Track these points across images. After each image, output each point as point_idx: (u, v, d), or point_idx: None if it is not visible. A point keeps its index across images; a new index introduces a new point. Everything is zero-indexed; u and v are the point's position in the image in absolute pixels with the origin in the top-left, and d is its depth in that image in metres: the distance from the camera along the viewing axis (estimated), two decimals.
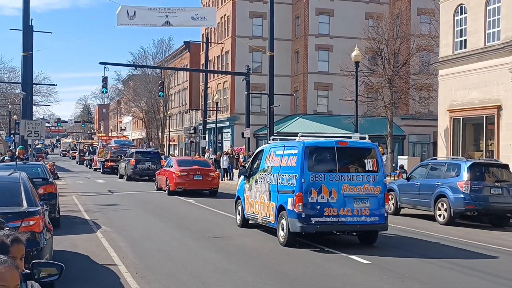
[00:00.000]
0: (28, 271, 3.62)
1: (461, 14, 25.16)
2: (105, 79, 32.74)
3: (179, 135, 69.25)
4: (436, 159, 20.85)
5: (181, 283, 8.38)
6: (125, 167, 35.17)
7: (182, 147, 68.35)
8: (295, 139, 12.86)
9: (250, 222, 14.51)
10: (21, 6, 28.43)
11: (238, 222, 15.00)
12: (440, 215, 16.54)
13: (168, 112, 68.92)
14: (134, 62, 64.82)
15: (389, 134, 36.17)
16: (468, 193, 15.89)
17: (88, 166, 55.20)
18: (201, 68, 56.94)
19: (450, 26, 25.68)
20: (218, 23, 48.99)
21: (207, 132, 47.70)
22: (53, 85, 64.29)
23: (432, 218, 17.01)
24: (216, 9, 42.01)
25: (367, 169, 12.18)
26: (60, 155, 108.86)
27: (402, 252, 11.30)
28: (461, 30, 25.14)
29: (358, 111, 29.43)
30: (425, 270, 9.58)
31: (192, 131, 61.11)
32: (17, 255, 3.12)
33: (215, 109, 47.54)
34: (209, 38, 51.61)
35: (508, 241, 13.56)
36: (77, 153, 73.98)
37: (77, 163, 67.90)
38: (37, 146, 69.01)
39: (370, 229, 12.04)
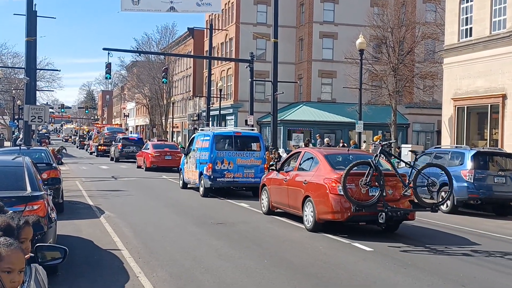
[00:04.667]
0: (32, 254, 3.64)
1: (467, 2, 24.97)
2: (108, 65, 32.69)
3: (182, 122, 69.22)
4: (440, 147, 20.81)
5: (184, 269, 8.41)
6: (114, 150, 42.05)
7: (186, 134, 68.36)
8: (209, 130, 20.57)
9: (188, 185, 21.00)
10: None
11: (181, 185, 21.64)
12: (443, 204, 16.51)
13: (172, 99, 68.82)
14: (138, 48, 64.67)
15: (393, 122, 36.06)
16: (472, 181, 15.87)
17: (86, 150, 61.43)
18: (205, 54, 56.75)
19: (456, 14, 25.49)
20: (222, 9, 48.70)
21: (210, 119, 47.66)
22: (57, 70, 64.58)
23: None
24: None
25: (253, 149, 19.24)
26: (63, 141, 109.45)
27: (405, 240, 11.31)
28: (466, 18, 24.97)
29: (362, 99, 29.35)
30: (428, 258, 9.59)
31: (195, 118, 61.07)
32: (28, 236, 3.15)
33: (218, 96, 47.48)
34: (213, 25, 51.38)
35: (511, 230, 13.55)
36: (77, 138, 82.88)
37: (77, 147, 73.85)
38: (41, 132, 69.30)
39: (253, 186, 18.13)
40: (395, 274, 8.37)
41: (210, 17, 56.94)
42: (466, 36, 24.98)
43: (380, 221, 11.05)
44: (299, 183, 12.72)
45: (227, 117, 53.54)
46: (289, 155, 15.69)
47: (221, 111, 46.83)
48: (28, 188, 7.90)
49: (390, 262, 9.15)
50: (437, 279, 8.11)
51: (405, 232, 12.24)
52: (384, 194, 11.07)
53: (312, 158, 12.96)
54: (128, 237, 10.96)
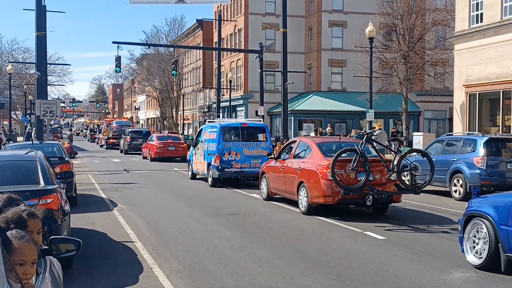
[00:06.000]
0: (47, 247, 3.68)
1: None
2: (118, 59, 32.75)
3: (193, 114, 69.32)
4: (451, 135, 20.69)
5: (198, 260, 8.47)
6: (123, 143, 43.30)
7: (196, 126, 68.51)
8: (216, 122, 21.23)
9: (197, 176, 21.52)
10: None
11: (190, 176, 22.11)
12: (455, 191, 16.46)
13: (182, 91, 68.91)
14: (147, 41, 64.75)
15: (404, 110, 35.89)
16: (484, 168, 15.77)
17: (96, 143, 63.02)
18: (214, 46, 56.70)
19: None
20: (231, 0, 48.59)
21: (221, 110, 47.68)
22: (67, 64, 64.81)
23: (447, 194, 16.95)
24: None
25: (259, 139, 19.60)
26: (74, 134, 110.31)
27: (417, 228, 11.30)
28: (477, 3, 24.71)
29: (372, 88, 29.19)
30: (441, 246, 9.57)
31: (206, 110, 61.14)
32: (33, 229, 3.16)
33: (228, 87, 47.46)
34: (222, 16, 51.27)
35: None
36: (88, 132, 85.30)
37: (88, 141, 75.90)
38: (53, 126, 69.82)
39: None
40: (408, 262, 8.37)
41: (219, 8, 56.79)
42: (477, 22, 24.74)
43: (367, 203, 11.81)
44: (294, 170, 13.60)
45: (238, 108, 53.53)
46: (285, 144, 16.50)
47: (231, 103, 46.81)
48: (42, 182, 7.97)
49: (403, 250, 9.14)
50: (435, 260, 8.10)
51: (417, 220, 12.21)
52: (371, 178, 12.00)
53: (306, 146, 13.88)
54: (141, 229, 11.04)
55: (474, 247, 7.96)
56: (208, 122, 22.95)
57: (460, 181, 16.25)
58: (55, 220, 7.54)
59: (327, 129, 35.75)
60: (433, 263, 8.31)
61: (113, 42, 31.51)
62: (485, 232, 7.71)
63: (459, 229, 8.36)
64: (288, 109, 34.51)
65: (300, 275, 7.57)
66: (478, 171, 15.87)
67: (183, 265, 8.16)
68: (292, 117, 45.53)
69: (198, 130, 22.92)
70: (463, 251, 8.17)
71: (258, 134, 19.90)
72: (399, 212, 13.41)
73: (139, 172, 25.83)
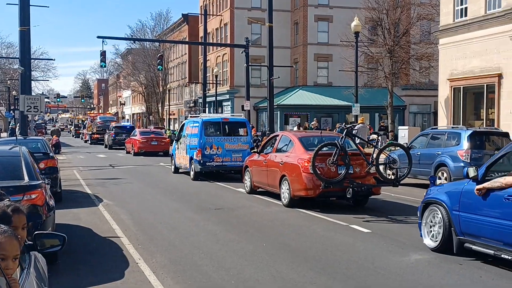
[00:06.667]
0: (31, 242, 3.66)
1: None
2: (103, 53, 32.54)
3: (179, 109, 69.11)
4: (436, 128, 20.84)
5: (184, 254, 8.47)
6: (107, 138, 44.01)
7: (182, 121, 68.30)
8: (198, 117, 21.35)
9: (179, 170, 21.85)
10: None
11: (172, 170, 22.56)
12: (440, 184, 16.60)
13: (168, 86, 68.63)
14: (132, 36, 64.33)
15: (389, 104, 36.08)
16: (468, 161, 15.89)
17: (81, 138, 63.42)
18: (199, 40, 56.51)
19: None
20: None
21: (207, 105, 47.58)
22: (52, 59, 64.10)
23: None
24: None
25: (240, 134, 20.06)
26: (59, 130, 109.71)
27: (402, 221, 11.39)
28: None
29: (358, 82, 29.33)
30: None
31: (192, 105, 60.98)
32: (18, 224, 3.14)
33: (214, 82, 47.37)
34: (208, 10, 51.11)
35: None
36: (73, 127, 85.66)
37: (73, 136, 75.72)
38: (37, 122, 69.33)
39: (241, 169, 17.45)
40: (393, 254, 8.44)
41: (205, 3, 56.64)
42: (461, 16, 24.92)
43: (348, 196, 12.10)
44: (276, 164, 13.81)
45: (224, 103, 53.46)
46: (268, 138, 16.73)
47: (217, 97, 46.75)
48: (26, 178, 7.91)
49: (388, 243, 9.22)
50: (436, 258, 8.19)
51: (403, 213, 12.31)
52: (351, 171, 12.26)
53: (288, 140, 14.08)
54: (126, 224, 11.01)
55: (431, 231, 8.59)
56: (191, 117, 23.40)
57: (445, 174, 16.38)
58: (40, 215, 7.50)
59: (312, 124, 35.93)
60: (417, 255, 8.39)
61: (98, 37, 31.31)
62: (440, 218, 8.35)
63: (418, 215, 8.93)
64: (274, 104, 34.54)
65: (286, 269, 7.61)
66: (462, 164, 15.99)
67: (169, 259, 8.16)
68: (278, 112, 45.57)
69: (181, 125, 23.51)
70: (421, 236, 8.75)
71: (239, 129, 20.39)
72: (383, 206, 13.52)
73: (125, 167, 25.73)
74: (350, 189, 11.95)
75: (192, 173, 19.86)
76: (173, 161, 22.71)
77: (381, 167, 12.53)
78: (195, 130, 20.01)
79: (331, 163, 12.00)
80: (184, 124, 22.40)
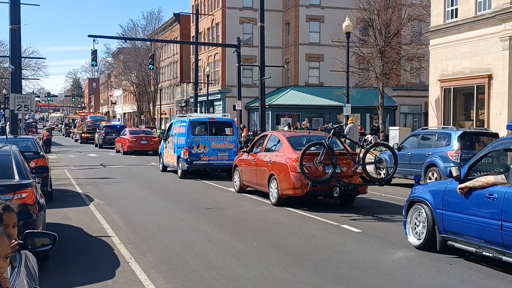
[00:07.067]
0: (22, 241, 3.65)
1: None
2: (94, 52, 32.41)
3: (170, 108, 68.97)
4: (427, 129, 20.95)
5: (175, 254, 8.47)
6: (98, 137, 44.46)
7: None
8: (185, 116, 21.78)
9: (167, 169, 22.23)
10: None
11: (161, 168, 23.00)
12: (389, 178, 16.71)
13: (159, 85, 68.50)
14: (123, 35, 64.15)
15: (380, 105, 36.21)
16: (458, 162, 15.98)
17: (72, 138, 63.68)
18: (191, 40, 56.43)
19: None
20: None
21: (198, 105, 47.55)
22: (42, 58, 63.87)
23: None
24: None
25: (226, 133, 20.60)
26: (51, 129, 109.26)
27: (393, 221, 11.44)
28: None
29: (349, 82, 29.39)
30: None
31: (183, 104, 60.87)
32: (9, 223, 3.14)
33: (206, 81, 47.32)
34: (199, 10, 51.03)
35: None
36: (63, 126, 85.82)
37: (63, 135, 75.55)
38: (27, 121, 68.97)
39: (227, 167, 19.09)
40: (384, 253, 8.49)
41: (196, 2, 56.53)
42: (452, 17, 25.06)
43: (335, 195, 12.32)
44: (265, 163, 13.99)
45: (215, 103, 53.42)
46: (257, 137, 16.90)
47: (209, 97, 46.70)
48: (16, 177, 7.88)
49: (379, 242, 9.26)
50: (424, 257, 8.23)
51: (393, 213, 12.35)
52: (339, 171, 12.45)
53: (277, 140, 14.31)
54: (117, 224, 10.99)
55: (415, 229, 8.75)
56: (178, 117, 23.86)
57: (435, 175, 16.46)
58: (30, 214, 7.47)
59: (303, 124, 36.01)
60: (408, 254, 8.44)
61: (89, 36, 31.26)
62: (424, 216, 8.49)
63: (403, 213, 9.07)
64: (266, 104, 34.55)
65: (277, 268, 7.63)
66: (452, 165, 15.98)
67: (160, 259, 8.15)
68: (270, 112, 45.61)
69: (168, 125, 24.14)
70: (406, 234, 8.90)
71: (225, 128, 21.01)
72: (373, 206, 13.58)
73: (116, 166, 25.65)
74: (337, 188, 12.16)
75: (179, 171, 20.33)
76: (161, 159, 23.16)
77: (369, 167, 12.69)
78: (182, 130, 20.46)
79: (319, 162, 12.23)
80: (172, 123, 22.84)
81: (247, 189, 15.70)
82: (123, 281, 7.08)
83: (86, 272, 7.46)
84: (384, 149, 16.47)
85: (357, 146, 21.02)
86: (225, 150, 20.04)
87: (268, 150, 14.43)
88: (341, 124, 16.23)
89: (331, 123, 27.82)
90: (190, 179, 19.57)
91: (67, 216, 11.89)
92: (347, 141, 16.34)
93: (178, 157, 20.39)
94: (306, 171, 12.13)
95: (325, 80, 49.18)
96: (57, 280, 7.03)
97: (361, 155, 12.57)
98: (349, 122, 27.89)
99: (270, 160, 13.71)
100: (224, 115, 24.19)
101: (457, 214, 7.89)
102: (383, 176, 13.36)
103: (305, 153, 12.14)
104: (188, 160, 19.76)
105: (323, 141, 12.44)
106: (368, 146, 13.00)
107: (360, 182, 12.86)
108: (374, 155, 12.83)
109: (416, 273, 7.46)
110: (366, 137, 28.75)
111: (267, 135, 15.54)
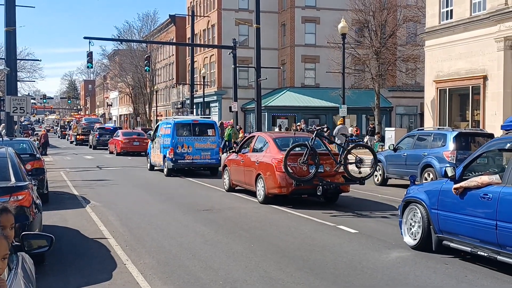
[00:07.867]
0: (19, 243, 3.66)
1: None
2: (90, 54, 32.42)
3: (166, 110, 68.90)
4: (422, 129, 21.00)
5: (172, 255, 8.47)
6: (92, 139, 45.78)
7: None
8: (170, 118, 23.36)
9: (154, 168, 23.65)
10: None
11: (148, 167, 24.29)
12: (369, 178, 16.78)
13: (155, 87, 68.40)
14: (119, 37, 64.06)
15: (376, 106, 36.27)
16: (454, 162, 16.02)
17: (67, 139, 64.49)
18: (187, 42, 56.40)
19: None
20: None
21: (194, 106, 47.52)
22: (38, 60, 63.82)
23: None
24: None
25: (209, 134, 21.88)
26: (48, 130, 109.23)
27: (389, 222, 11.46)
28: (447, 0, 25.10)
29: (345, 84, 29.46)
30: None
31: (179, 106, 60.83)
32: (6, 224, 3.15)
33: (202, 83, 47.30)
34: (195, 11, 51.05)
35: None
36: (59, 128, 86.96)
37: (59, 137, 77.07)
38: (23, 123, 68.87)
39: (210, 166, 21.75)
40: (380, 254, 8.51)
41: (192, 4, 56.56)
42: (447, 18, 25.14)
43: (318, 193, 12.79)
44: (252, 163, 14.52)
45: (211, 104, 53.41)
46: (245, 138, 17.39)
47: (205, 99, 46.68)
48: (12, 179, 7.87)
49: (375, 243, 9.28)
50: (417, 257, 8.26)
51: (389, 214, 12.38)
52: (322, 170, 12.93)
53: (263, 141, 14.82)
54: (114, 226, 10.98)
55: (411, 229, 8.80)
56: (165, 119, 25.26)
57: (431, 175, 16.50)
58: (27, 216, 7.47)
59: (298, 125, 36.09)
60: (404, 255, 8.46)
61: (85, 38, 31.17)
62: (419, 216, 8.54)
63: (399, 214, 9.14)
64: (262, 105, 34.60)
65: (274, 269, 7.64)
66: (448, 165, 16.10)
67: (157, 260, 8.15)
68: (266, 113, 45.62)
69: (155, 126, 25.81)
70: (402, 234, 8.97)
71: (208, 130, 22.26)
72: (369, 207, 13.61)
73: (112, 168, 25.63)
74: (320, 187, 12.62)
75: (165, 170, 21.66)
76: (148, 159, 24.49)
77: (351, 167, 13.23)
78: (168, 131, 21.78)
79: (302, 162, 12.72)
80: (158, 125, 24.30)
81: (236, 188, 16.19)
82: (120, 283, 7.08)
83: (83, 274, 7.46)
84: (380, 149, 16.65)
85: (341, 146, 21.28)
86: (208, 150, 21.46)
87: (255, 150, 14.93)
88: (323, 126, 16.40)
89: (313, 125, 27.99)
90: (175, 177, 20.86)
91: (64, 218, 11.87)
92: (339, 141, 16.63)
93: (164, 156, 21.65)
94: (291, 171, 12.63)
95: (321, 81, 49.24)
96: (54, 282, 7.03)
97: (342, 155, 13.03)
98: (338, 123, 28.05)
99: (257, 160, 14.20)
100: (207, 117, 25.83)
101: (452, 214, 7.94)
102: (363, 175, 13.93)
103: (289, 153, 12.64)
104: (173, 159, 21.06)
105: (307, 142, 12.94)
106: (349, 147, 13.36)
107: (342, 181, 13.34)
108: (355, 155, 13.22)
109: (412, 273, 7.48)
110: (366, 139, 28.94)
111: (254, 136, 16.06)
